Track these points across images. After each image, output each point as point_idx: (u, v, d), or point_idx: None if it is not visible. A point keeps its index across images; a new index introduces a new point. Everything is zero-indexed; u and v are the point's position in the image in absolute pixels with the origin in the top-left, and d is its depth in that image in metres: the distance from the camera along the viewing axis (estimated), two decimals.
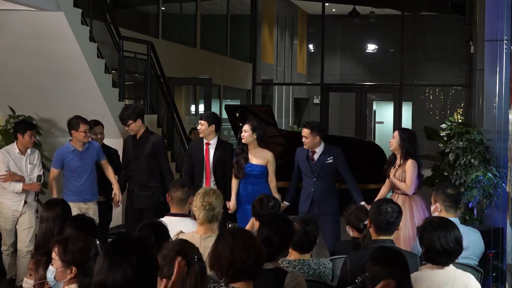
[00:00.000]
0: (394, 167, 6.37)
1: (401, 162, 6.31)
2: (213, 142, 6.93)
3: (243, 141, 6.74)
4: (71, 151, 6.75)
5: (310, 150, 6.71)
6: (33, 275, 3.45)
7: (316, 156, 6.69)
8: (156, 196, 6.96)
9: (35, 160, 6.94)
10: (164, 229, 3.84)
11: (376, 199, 6.24)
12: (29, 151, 6.88)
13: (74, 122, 6.73)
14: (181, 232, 4.27)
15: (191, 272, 2.66)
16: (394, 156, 6.46)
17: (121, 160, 7.36)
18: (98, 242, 3.20)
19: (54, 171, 6.79)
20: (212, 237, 4.17)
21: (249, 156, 6.75)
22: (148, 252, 2.44)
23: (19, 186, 6.72)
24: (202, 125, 6.88)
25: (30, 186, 6.80)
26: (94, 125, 7.15)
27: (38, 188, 6.93)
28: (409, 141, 6.34)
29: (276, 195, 6.66)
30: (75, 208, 6.39)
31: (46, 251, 3.62)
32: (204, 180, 6.85)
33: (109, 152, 7.24)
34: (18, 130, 6.84)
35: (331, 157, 6.66)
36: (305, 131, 6.67)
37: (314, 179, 6.68)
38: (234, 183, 6.83)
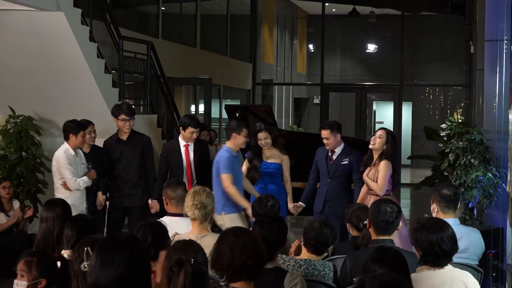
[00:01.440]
0: (369, 167, 6.29)
1: (376, 162, 6.21)
2: (191, 142, 6.97)
3: (266, 148, 6.76)
4: (234, 156, 6.40)
5: (330, 150, 6.70)
6: (25, 276, 3.45)
7: (334, 156, 6.69)
8: (145, 196, 7.07)
9: (83, 160, 6.80)
10: (163, 229, 3.81)
11: (358, 200, 6.28)
12: (78, 151, 6.74)
13: (238, 126, 6.46)
14: (176, 233, 4.26)
15: (183, 273, 2.65)
16: (370, 157, 6.35)
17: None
18: (87, 248, 3.19)
19: (230, 177, 6.24)
20: (208, 236, 4.17)
21: (263, 157, 6.81)
22: (139, 248, 2.44)
23: (86, 178, 6.62)
24: (196, 133, 6.92)
25: (89, 174, 6.69)
26: (88, 124, 7.08)
27: (95, 175, 6.79)
28: (392, 144, 6.26)
29: (290, 192, 6.75)
30: (239, 218, 6.30)
31: (33, 251, 3.63)
32: (185, 182, 6.80)
33: (100, 152, 7.21)
34: (71, 130, 6.58)
35: (347, 158, 6.63)
36: (325, 133, 6.61)
37: (329, 179, 6.67)
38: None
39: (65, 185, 6.55)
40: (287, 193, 6.82)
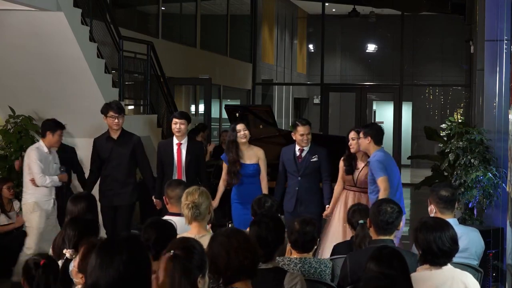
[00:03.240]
0: (357, 168, 6.43)
1: (367, 160, 6.22)
2: (184, 141, 6.93)
3: (244, 141, 6.66)
4: None
5: (298, 148, 6.69)
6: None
7: (303, 154, 6.69)
8: (135, 194, 7.08)
9: (56, 160, 6.88)
10: (170, 229, 3.79)
11: (334, 198, 6.50)
12: (52, 150, 6.81)
13: None
14: None
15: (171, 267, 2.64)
16: (351, 156, 6.49)
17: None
18: None
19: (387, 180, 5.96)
20: (206, 236, 4.16)
21: (240, 159, 6.69)
22: (139, 249, 2.43)
23: (55, 177, 6.69)
24: (183, 125, 6.84)
25: (60, 176, 6.78)
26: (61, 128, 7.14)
27: (66, 179, 6.87)
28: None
29: (266, 191, 6.65)
30: None
31: (40, 253, 3.63)
32: None
33: (65, 149, 7.35)
34: (49, 128, 6.72)
35: (316, 155, 6.65)
36: (306, 128, 6.61)
37: (299, 177, 6.67)
38: (222, 184, 6.83)
39: (33, 181, 6.65)
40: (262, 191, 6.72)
